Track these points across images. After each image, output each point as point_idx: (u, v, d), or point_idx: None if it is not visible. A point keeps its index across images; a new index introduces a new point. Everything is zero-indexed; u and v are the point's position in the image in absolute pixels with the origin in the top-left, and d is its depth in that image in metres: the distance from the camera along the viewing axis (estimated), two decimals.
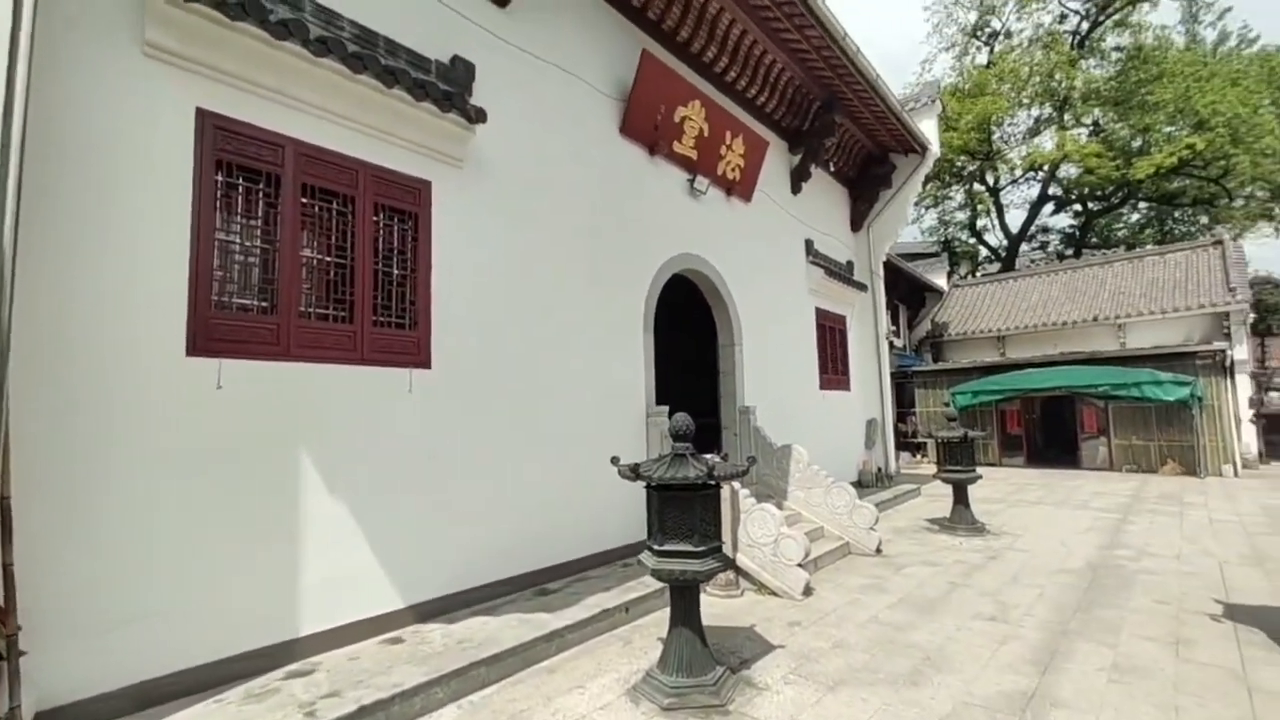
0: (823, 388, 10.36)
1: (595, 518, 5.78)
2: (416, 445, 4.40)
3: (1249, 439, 15.20)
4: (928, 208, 32.61)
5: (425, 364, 4.49)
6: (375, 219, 4.31)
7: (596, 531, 5.73)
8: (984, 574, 5.84)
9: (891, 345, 18.24)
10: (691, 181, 7.53)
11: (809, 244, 10.22)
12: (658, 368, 9.42)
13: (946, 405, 13.17)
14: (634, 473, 3.48)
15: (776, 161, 9.57)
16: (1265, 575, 5.59)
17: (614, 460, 3.70)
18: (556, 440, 5.50)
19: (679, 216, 7.38)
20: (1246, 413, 15.17)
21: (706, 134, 7.47)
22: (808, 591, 5.30)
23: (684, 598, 3.57)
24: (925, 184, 30.53)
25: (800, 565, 5.30)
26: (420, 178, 4.57)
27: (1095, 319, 16.86)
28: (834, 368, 10.87)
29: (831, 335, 10.89)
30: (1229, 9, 25.65)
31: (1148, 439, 14.11)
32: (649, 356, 6.68)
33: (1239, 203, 25.59)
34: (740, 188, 8.40)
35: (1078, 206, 29.96)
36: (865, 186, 11.86)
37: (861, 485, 11.10)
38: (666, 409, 6.58)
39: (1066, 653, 3.98)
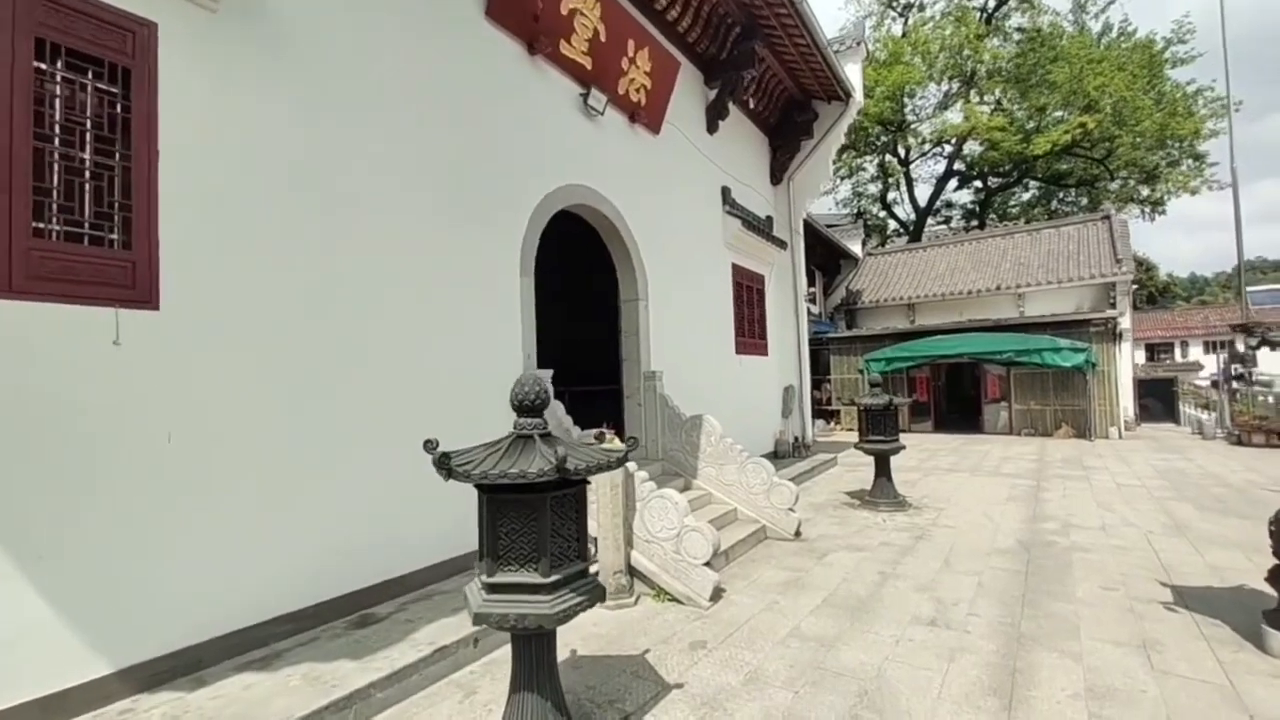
0: (739, 352, 9.45)
1: (452, 514, 4.46)
2: (132, 426, 2.88)
3: (1127, 402, 16.09)
4: (843, 178, 32.85)
5: (146, 301, 2.94)
6: (42, 67, 2.68)
7: (452, 531, 4.42)
8: (914, 559, 5.09)
9: (809, 312, 17.87)
10: (585, 96, 6.16)
11: (726, 192, 9.16)
12: (550, 323, 8.11)
13: (862, 372, 12.78)
14: (445, 467, 2.19)
15: (690, 92, 8.34)
16: (1193, 549, 5.20)
17: (428, 446, 2.41)
18: (395, 416, 4.11)
19: (569, 138, 6.01)
20: (1128, 378, 16.01)
21: (604, 38, 6.10)
22: (716, 595, 4.30)
23: (531, 652, 2.36)
24: (841, 153, 30.71)
25: (708, 564, 4.27)
26: (135, 14, 2.94)
27: (998, 288, 17.16)
28: (751, 330, 9.99)
29: (749, 295, 9.98)
30: (1112, 1, 26.99)
31: (1044, 404, 14.50)
32: (529, 308, 5.35)
33: (1115, 185, 27.40)
34: (647, 115, 7.12)
35: (979, 183, 31.13)
36: (787, 135, 10.92)
37: (778, 456, 10.41)
38: (550, 373, 5.31)
39: (1028, 670, 3.17)
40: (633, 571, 4.46)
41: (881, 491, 7.10)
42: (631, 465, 4.59)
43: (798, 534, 5.89)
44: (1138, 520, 6.24)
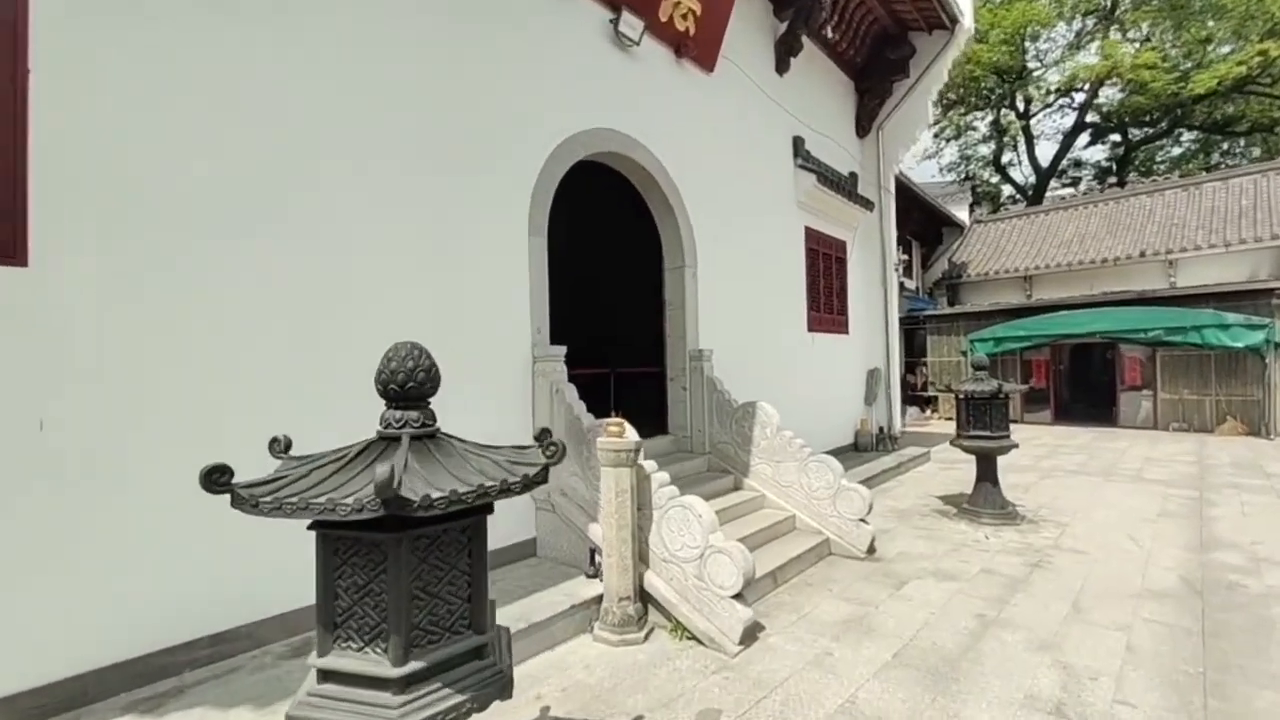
0: (813, 329, 8.20)
1: None
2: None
3: None
4: (948, 139, 29.51)
5: (10, 256, 2.38)
6: None
7: None
8: (1028, 598, 3.84)
9: (902, 287, 16.01)
10: (615, 22, 5.19)
11: (798, 143, 7.87)
12: (580, 295, 7.30)
13: (965, 354, 11.01)
14: (220, 486, 1.38)
15: (754, 23, 7.13)
16: None
17: (274, 446, 1.65)
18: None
19: (594, 73, 5.09)
20: None
21: None
22: (749, 636, 3.33)
23: None
24: (946, 110, 27.48)
25: (739, 595, 3.30)
26: None
27: (1142, 254, 14.42)
28: (828, 305, 8.68)
29: (826, 264, 8.65)
30: None
31: (1202, 392, 11.92)
32: (539, 274, 4.54)
33: None
34: (697, 47, 6.04)
35: (1116, 136, 26.77)
36: (876, 76, 9.35)
37: (858, 449, 9.10)
38: (563, 351, 4.49)
39: None
40: (645, 597, 3.59)
41: (984, 499, 5.73)
42: (649, 465, 3.69)
43: (870, 551, 4.75)
44: None
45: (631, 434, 3.73)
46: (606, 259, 7.44)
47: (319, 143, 3.34)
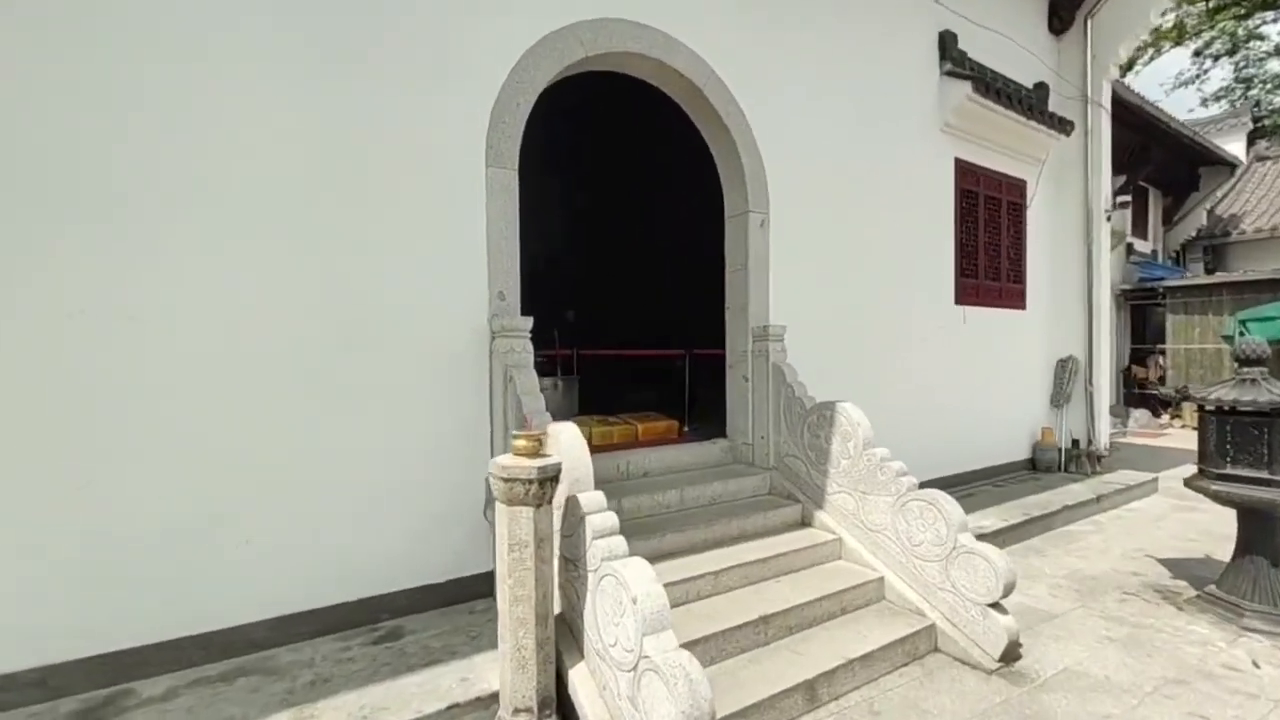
0: (963, 301, 5.96)
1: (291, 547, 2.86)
2: None
3: None
4: (1215, 57, 22.23)
5: None
6: None
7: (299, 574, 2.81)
8: None
9: (1130, 249, 12.07)
10: None
11: (948, 41, 5.65)
12: (625, 257, 5.86)
13: (1229, 339, 7.60)
14: None
15: None
16: None
17: None
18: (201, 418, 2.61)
19: None
20: None
21: None
22: None
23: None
24: (1212, 14, 20.54)
25: None
26: None
27: None
28: (992, 268, 6.29)
29: (991, 211, 6.26)
30: None
31: None
32: (503, 219, 3.34)
33: None
34: None
35: None
36: None
37: (1036, 470, 6.61)
38: (528, 324, 3.27)
39: None
40: (569, 709, 2.28)
41: (1252, 582, 3.36)
42: (590, 498, 2.36)
43: (1008, 658, 2.87)
44: None
45: (561, 448, 2.43)
46: (658, 209, 6.03)
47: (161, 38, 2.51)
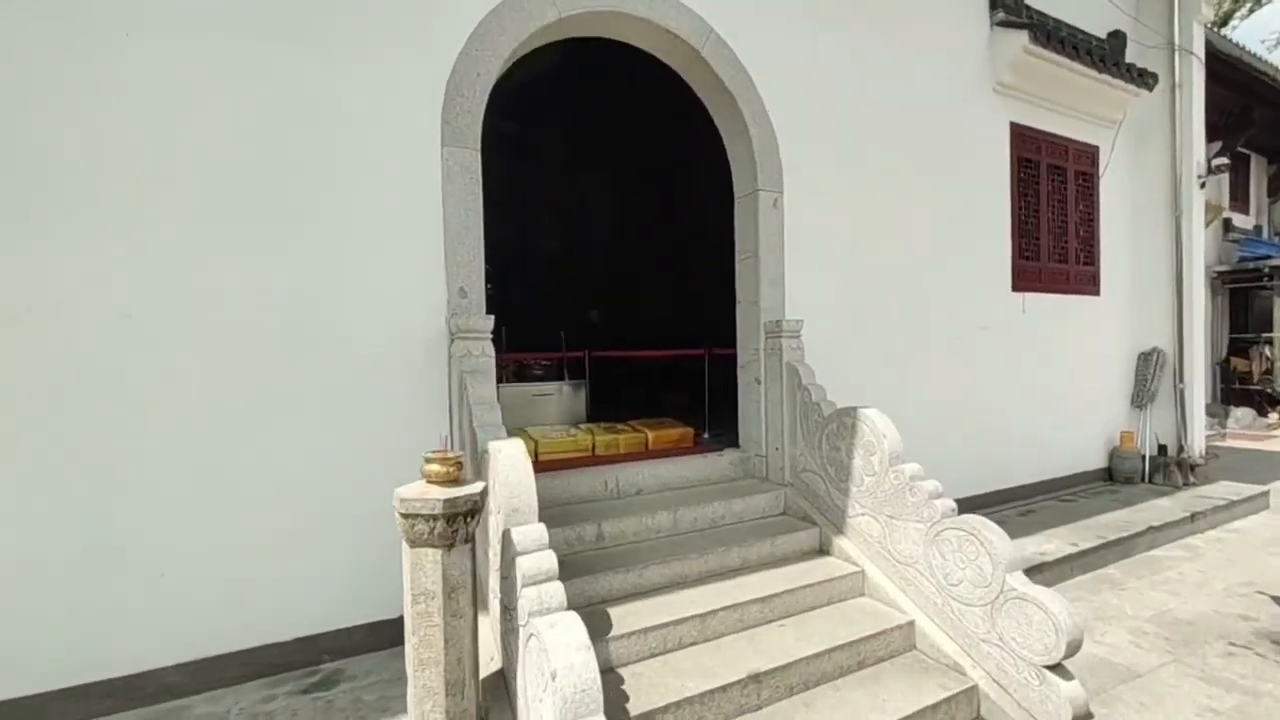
0: (1023, 287, 5.19)
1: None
2: None
3: None
4: None
5: None
6: None
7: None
8: None
9: (1228, 224, 10.70)
10: None
11: None
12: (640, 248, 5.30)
13: None
14: None
15: None
16: None
17: None
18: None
19: None
20: None
21: None
22: None
23: None
24: None
25: None
26: None
27: None
28: (1058, 249, 5.48)
29: (1055, 183, 5.44)
30: None
31: None
32: (463, 205, 2.94)
33: None
34: None
35: None
36: None
37: (1114, 481, 5.76)
38: (489, 323, 2.87)
39: None
40: None
41: None
42: (524, 534, 1.93)
43: None
44: None
45: (498, 471, 2.03)
46: (689, 197, 5.53)
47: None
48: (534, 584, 1.83)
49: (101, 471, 2.29)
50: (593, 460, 3.86)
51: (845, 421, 3.19)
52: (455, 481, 1.85)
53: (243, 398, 2.51)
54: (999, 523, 2.55)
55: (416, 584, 1.75)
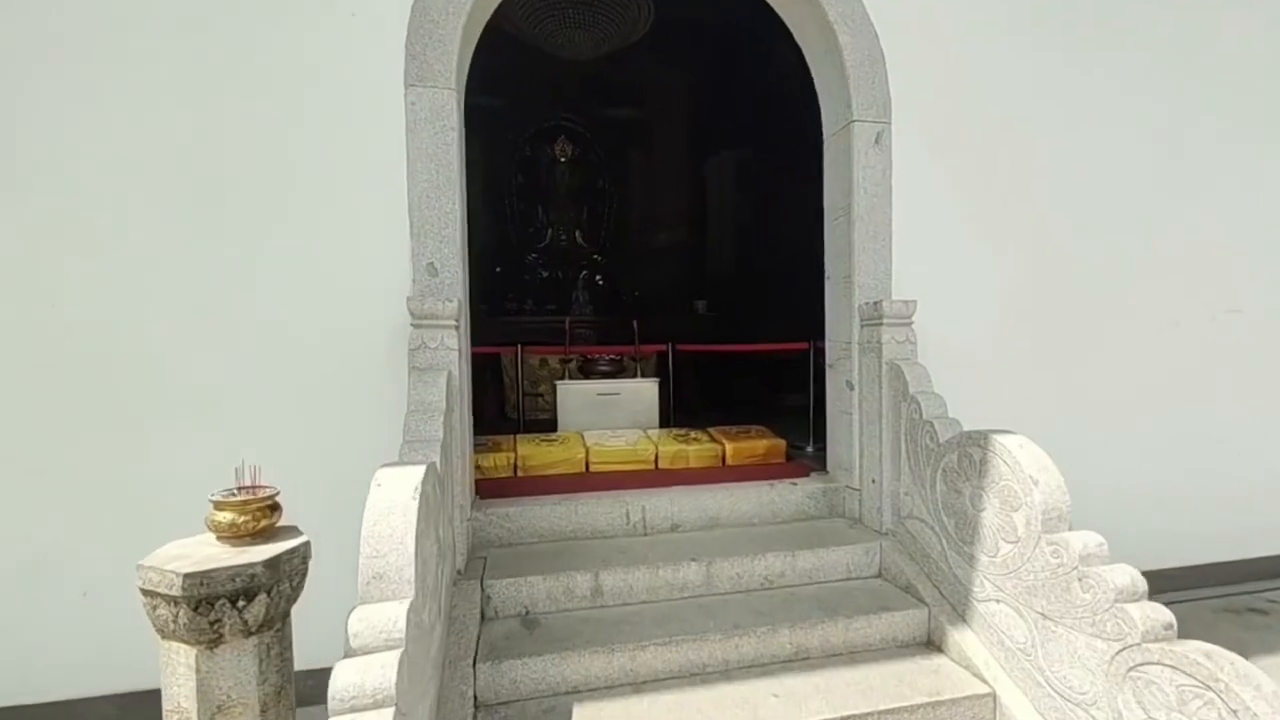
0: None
1: None
2: None
3: None
4: None
5: None
6: None
7: None
8: None
9: None
10: None
11: None
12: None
13: None
14: None
15: None
16: None
17: None
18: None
19: None
20: None
21: None
22: None
23: None
24: None
25: None
26: None
27: None
28: None
29: None
30: None
31: None
32: (434, 162, 2.34)
33: None
34: None
35: None
36: None
37: None
38: (454, 307, 2.22)
39: None
40: None
41: None
42: (368, 621, 1.24)
43: None
44: None
45: (367, 519, 1.37)
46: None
47: None
48: (349, 712, 1.13)
49: (15, 476, 2.04)
50: (657, 476, 3.11)
51: (970, 453, 2.07)
52: (262, 535, 1.22)
53: (169, 398, 2.14)
54: (1249, 625, 1.34)
55: (168, 697, 1.15)
